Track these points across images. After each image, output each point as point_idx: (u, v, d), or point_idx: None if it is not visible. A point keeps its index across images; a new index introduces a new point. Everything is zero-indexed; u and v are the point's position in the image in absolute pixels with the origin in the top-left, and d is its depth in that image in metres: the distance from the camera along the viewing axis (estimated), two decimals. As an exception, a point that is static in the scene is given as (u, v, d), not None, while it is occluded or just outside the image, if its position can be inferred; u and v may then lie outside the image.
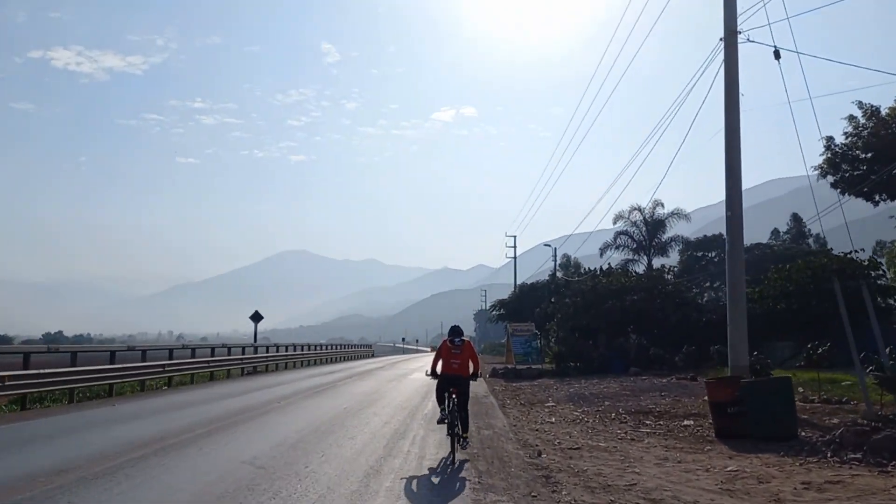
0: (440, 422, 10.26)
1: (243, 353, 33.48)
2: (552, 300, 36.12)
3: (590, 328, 31.78)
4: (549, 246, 54.19)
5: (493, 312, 63.23)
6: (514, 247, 75.06)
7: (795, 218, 73.54)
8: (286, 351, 42.03)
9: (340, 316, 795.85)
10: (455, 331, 10.79)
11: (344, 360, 55.82)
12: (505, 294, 66.56)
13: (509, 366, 32.83)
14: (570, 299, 32.15)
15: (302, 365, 40.70)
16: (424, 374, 12.27)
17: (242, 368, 31.49)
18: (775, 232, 77.92)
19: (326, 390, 21.93)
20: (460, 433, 10.14)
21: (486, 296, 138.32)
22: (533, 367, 32.14)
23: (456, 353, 10.44)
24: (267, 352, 38.99)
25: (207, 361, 27.15)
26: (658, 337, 29.73)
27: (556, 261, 54.33)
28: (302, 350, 47.01)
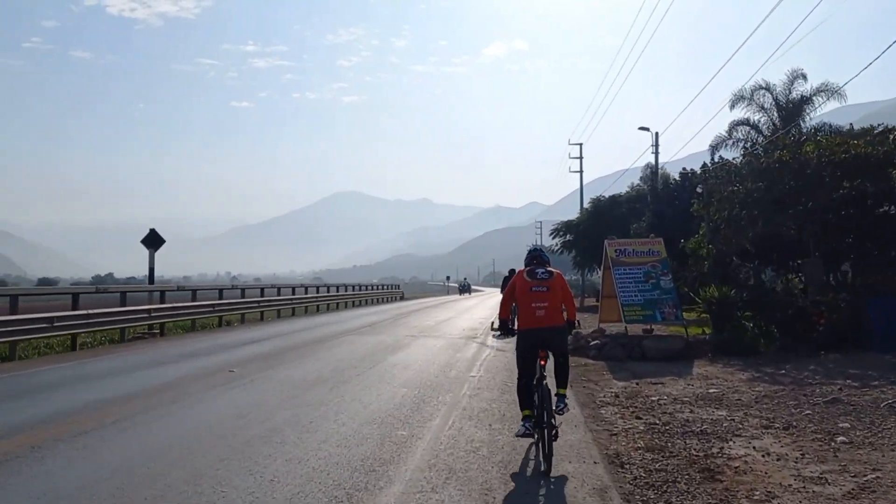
0: (521, 436, 6.08)
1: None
2: (698, 191, 18.43)
3: (791, 246, 14.68)
4: (647, 130, 36.43)
5: (556, 239, 46.02)
6: (581, 157, 57.97)
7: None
8: (262, 295, 27.20)
9: (393, 255, 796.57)
10: (536, 256, 6.60)
11: (359, 304, 40.81)
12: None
13: (609, 329, 16.08)
14: (741, 185, 14.89)
15: (294, 313, 29.93)
16: (491, 330, 8.45)
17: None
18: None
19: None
20: (556, 391, 6.19)
21: (541, 228, 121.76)
22: (653, 330, 15.42)
23: (539, 292, 6.25)
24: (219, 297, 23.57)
25: None
26: None
27: (657, 151, 36.45)
28: (305, 293, 35.27)
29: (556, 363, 6.39)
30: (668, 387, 10.31)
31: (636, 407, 8.77)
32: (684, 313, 15.62)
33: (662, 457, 6.26)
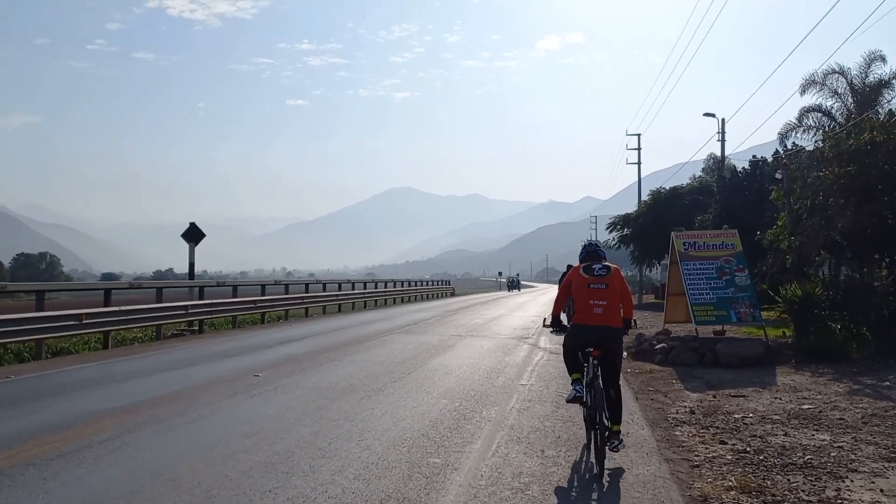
0: (572, 400, 5.89)
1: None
2: (777, 176, 16.64)
3: (871, 238, 13.01)
4: (712, 116, 34.31)
5: (612, 233, 44.23)
6: (639, 148, 55.77)
7: None
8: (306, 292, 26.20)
9: (446, 251, 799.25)
10: (592, 252, 6.28)
11: (408, 301, 39.57)
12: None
13: (675, 331, 14.63)
14: (828, 169, 13.22)
15: (340, 309, 29.26)
16: (542, 326, 7.49)
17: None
18: None
19: None
20: (608, 425, 5.55)
21: (596, 223, 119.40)
22: (725, 332, 13.94)
23: (598, 289, 5.92)
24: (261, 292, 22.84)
25: None
26: None
27: (723, 138, 34.22)
28: (351, 289, 34.62)
29: (608, 396, 5.77)
30: (752, 401, 8.85)
31: (717, 427, 7.38)
32: (762, 313, 13.99)
33: (763, 503, 4.90)
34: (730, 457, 6.18)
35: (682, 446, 6.56)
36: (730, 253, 13.68)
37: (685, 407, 8.50)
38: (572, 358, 6.09)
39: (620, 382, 6.07)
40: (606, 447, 5.49)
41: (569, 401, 6.06)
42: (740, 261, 13.60)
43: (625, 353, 13.01)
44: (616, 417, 5.75)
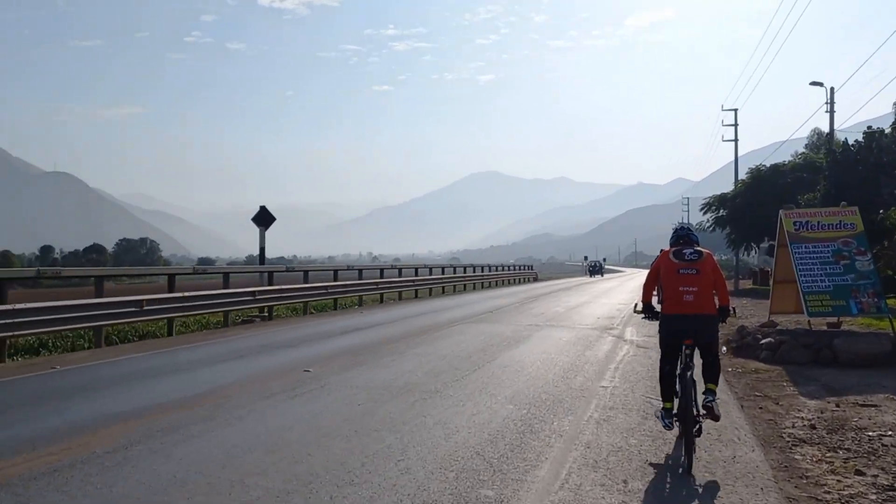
0: (665, 422, 5.65)
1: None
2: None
3: None
4: (820, 85, 31.23)
5: (707, 215, 41.65)
6: (735, 124, 52.33)
7: None
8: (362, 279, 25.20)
9: (531, 235, 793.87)
10: (683, 236, 5.95)
11: (488, 286, 38.48)
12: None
13: (782, 322, 12.91)
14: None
15: (417, 295, 28.71)
16: (633, 311, 7.02)
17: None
18: None
19: None
20: (699, 417, 5.40)
21: (688, 205, 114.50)
22: (841, 324, 12.16)
23: (688, 275, 5.62)
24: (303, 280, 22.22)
25: None
26: None
27: (832, 109, 31.07)
28: (429, 274, 33.66)
29: (705, 362, 5.67)
30: (887, 412, 7.25)
31: (848, 449, 5.90)
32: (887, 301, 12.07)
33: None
34: (873, 495, 4.76)
35: (807, 477, 5.16)
36: (849, 234, 11.80)
37: (803, 419, 7.01)
38: (668, 375, 5.67)
39: (721, 386, 6.09)
40: (703, 406, 5.41)
41: (657, 415, 5.98)
42: (861, 243, 11.71)
43: (723, 348, 11.47)
44: (713, 378, 5.63)
